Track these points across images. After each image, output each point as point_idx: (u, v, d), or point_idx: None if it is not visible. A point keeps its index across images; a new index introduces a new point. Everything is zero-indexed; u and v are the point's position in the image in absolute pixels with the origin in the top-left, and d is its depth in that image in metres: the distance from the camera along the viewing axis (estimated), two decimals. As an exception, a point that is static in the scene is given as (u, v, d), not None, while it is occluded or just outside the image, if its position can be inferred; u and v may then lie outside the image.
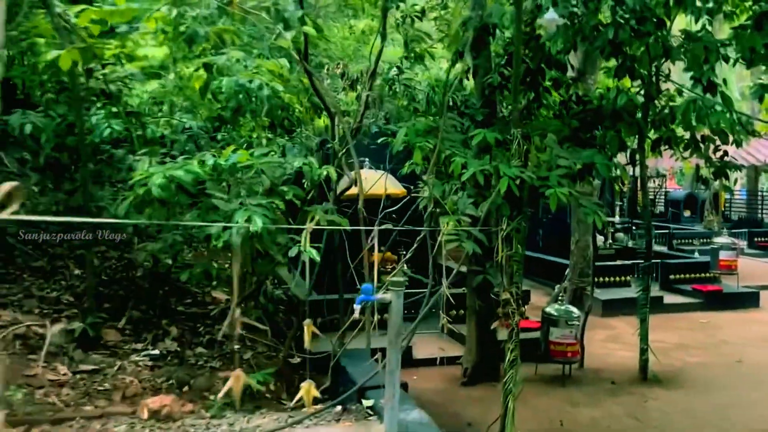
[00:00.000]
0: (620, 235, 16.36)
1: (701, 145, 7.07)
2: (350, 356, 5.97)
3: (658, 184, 28.24)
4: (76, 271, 8.34)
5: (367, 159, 12.16)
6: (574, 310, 8.08)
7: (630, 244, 15.60)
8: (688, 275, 13.19)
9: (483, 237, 4.89)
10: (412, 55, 7.08)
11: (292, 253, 5.29)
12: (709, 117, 5.90)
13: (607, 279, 12.79)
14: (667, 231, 19.13)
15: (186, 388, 5.75)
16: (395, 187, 10.36)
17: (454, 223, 4.82)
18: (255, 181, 5.81)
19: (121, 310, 7.37)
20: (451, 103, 10.12)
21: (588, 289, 12.34)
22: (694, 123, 6.40)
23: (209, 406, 5.34)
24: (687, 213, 23.85)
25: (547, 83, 7.67)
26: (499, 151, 5.51)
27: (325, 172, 6.18)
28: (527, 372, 8.34)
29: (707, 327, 11.14)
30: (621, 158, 8.86)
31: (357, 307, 3.68)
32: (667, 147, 8.22)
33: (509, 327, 5.39)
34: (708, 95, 6.16)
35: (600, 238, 15.22)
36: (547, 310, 8.08)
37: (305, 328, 3.89)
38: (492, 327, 6.04)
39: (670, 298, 12.45)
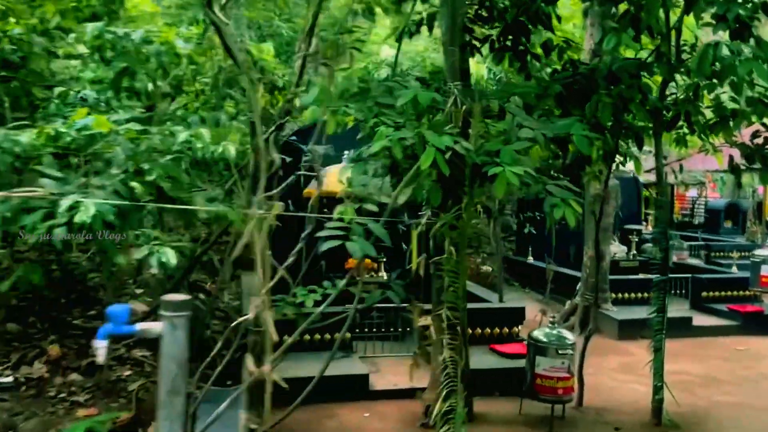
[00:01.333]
0: (648, 246, 14.50)
1: (731, 122, 5.37)
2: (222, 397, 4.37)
3: (698, 194, 26.09)
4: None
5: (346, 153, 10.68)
6: (568, 335, 6.41)
7: (659, 256, 13.74)
8: (723, 293, 11.35)
9: (384, 233, 3.34)
10: (359, 8, 5.56)
11: (140, 255, 3.81)
12: (736, 68, 4.22)
13: (626, 296, 11.05)
14: (704, 243, 17.12)
15: (8, 435, 4.32)
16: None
17: (350, 214, 3.29)
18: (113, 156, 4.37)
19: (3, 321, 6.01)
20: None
21: (602, 306, 10.65)
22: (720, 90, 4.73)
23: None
24: (728, 224, 21.71)
25: (539, 50, 6.11)
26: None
27: (220, 149, 4.70)
28: (510, 410, 6.74)
29: (744, 356, 9.31)
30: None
31: (100, 345, 2.18)
32: (687, 131, 6.56)
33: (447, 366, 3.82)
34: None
35: (623, 249, 13.46)
36: (534, 334, 6.43)
37: None
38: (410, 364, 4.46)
39: (700, 320, 10.62)
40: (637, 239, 13.26)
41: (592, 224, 10.51)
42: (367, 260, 9.75)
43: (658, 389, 6.54)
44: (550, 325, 6.43)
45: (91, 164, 4.27)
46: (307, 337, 7.71)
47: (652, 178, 19.10)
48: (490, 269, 13.64)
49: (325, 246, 3.28)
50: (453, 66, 3.97)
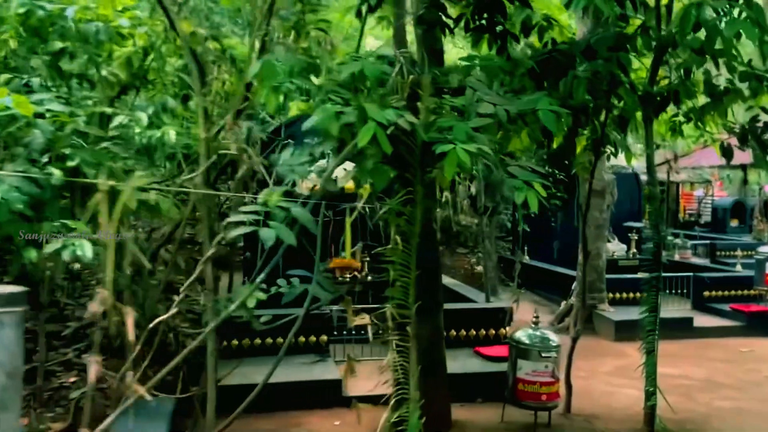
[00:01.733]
0: (650, 244, 14.02)
1: (723, 99, 4.90)
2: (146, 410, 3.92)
3: (705, 192, 25.57)
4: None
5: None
6: (553, 337, 5.96)
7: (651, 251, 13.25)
8: (726, 292, 10.84)
9: (310, 220, 2.91)
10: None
11: (50, 248, 3.40)
12: (721, 31, 3.76)
13: (624, 295, 10.56)
14: (708, 241, 16.60)
15: None
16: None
17: (277, 198, 2.87)
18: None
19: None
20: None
21: (599, 306, 10.19)
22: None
23: None
24: (734, 222, 21.18)
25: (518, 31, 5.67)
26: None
27: (158, 134, 4.30)
28: (491, 417, 6.29)
29: (748, 358, 8.81)
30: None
31: None
32: (682, 119, 6.13)
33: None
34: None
35: (622, 247, 13.00)
36: (516, 335, 5.98)
37: None
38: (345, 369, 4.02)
39: (702, 320, 10.13)
40: (637, 237, 12.79)
41: (588, 223, 10.08)
42: (351, 259, 9.35)
43: (650, 395, 6.07)
44: (533, 325, 5.99)
45: (10, 149, 3.88)
46: (280, 339, 7.32)
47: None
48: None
49: (234, 233, 2.86)
50: (400, 31, 3.55)
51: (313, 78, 4.13)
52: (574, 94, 4.20)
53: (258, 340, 7.10)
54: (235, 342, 7.09)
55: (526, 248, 13.18)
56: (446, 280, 10.20)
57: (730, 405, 6.94)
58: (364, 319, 3.72)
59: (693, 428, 6.26)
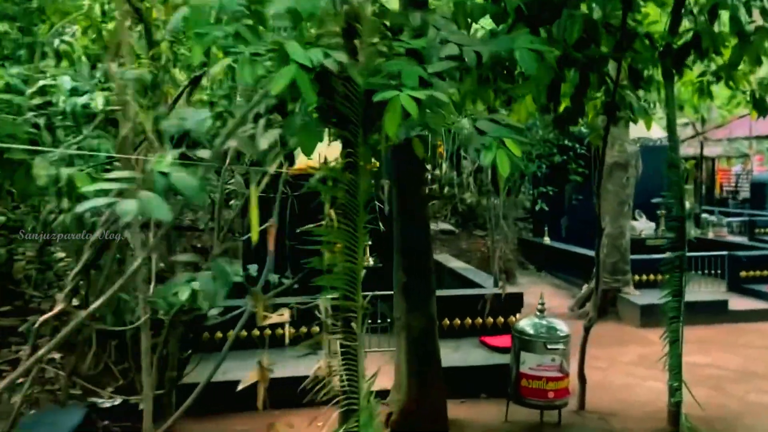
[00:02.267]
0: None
1: (752, 39, 4.10)
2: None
3: (743, 168, 24.31)
4: None
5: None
6: (561, 326, 5.27)
7: (693, 233, 12.36)
8: (765, 272, 9.98)
9: (192, 187, 2.27)
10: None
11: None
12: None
13: (650, 277, 9.76)
14: (747, 219, 15.57)
15: None
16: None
17: (166, 163, 2.25)
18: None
19: None
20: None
21: (623, 290, 9.42)
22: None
23: None
24: (775, 198, 20.00)
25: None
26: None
27: (85, 99, 3.71)
28: (494, 415, 5.64)
29: (788, 345, 8.00)
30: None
31: None
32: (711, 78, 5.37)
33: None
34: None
35: (650, 225, 12.18)
36: (519, 325, 5.31)
37: None
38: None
39: (738, 303, 9.29)
40: (666, 214, 11.92)
41: (609, 199, 9.31)
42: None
43: (674, 390, 5.35)
44: (538, 313, 5.31)
45: None
46: (268, 331, 6.77)
47: (689, 150, 17.58)
48: (503, 252, 12.49)
49: (84, 206, 2.23)
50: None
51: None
52: (567, 36, 3.48)
53: (244, 333, 6.54)
54: (219, 335, 6.57)
55: (546, 228, 12.41)
56: (455, 263, 9.56)
57: (766, 399, 6.18)
58: (282, 315, 3.14)
59: (722, 427, 5.53)
